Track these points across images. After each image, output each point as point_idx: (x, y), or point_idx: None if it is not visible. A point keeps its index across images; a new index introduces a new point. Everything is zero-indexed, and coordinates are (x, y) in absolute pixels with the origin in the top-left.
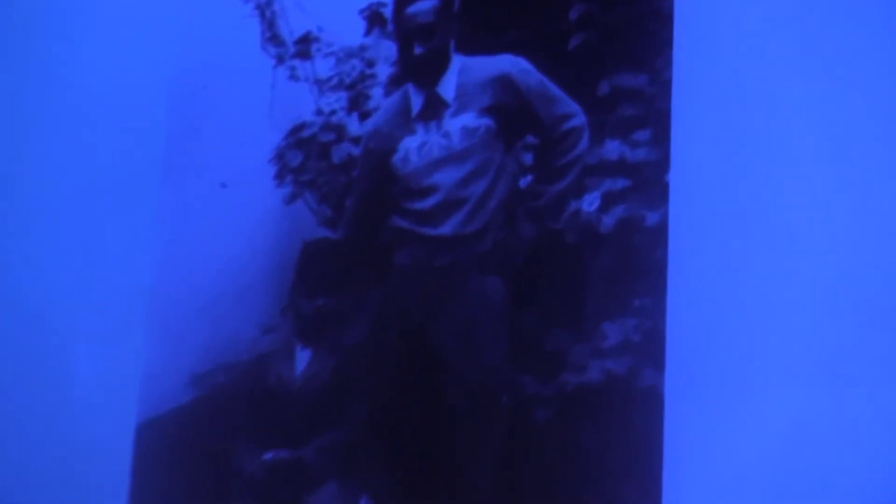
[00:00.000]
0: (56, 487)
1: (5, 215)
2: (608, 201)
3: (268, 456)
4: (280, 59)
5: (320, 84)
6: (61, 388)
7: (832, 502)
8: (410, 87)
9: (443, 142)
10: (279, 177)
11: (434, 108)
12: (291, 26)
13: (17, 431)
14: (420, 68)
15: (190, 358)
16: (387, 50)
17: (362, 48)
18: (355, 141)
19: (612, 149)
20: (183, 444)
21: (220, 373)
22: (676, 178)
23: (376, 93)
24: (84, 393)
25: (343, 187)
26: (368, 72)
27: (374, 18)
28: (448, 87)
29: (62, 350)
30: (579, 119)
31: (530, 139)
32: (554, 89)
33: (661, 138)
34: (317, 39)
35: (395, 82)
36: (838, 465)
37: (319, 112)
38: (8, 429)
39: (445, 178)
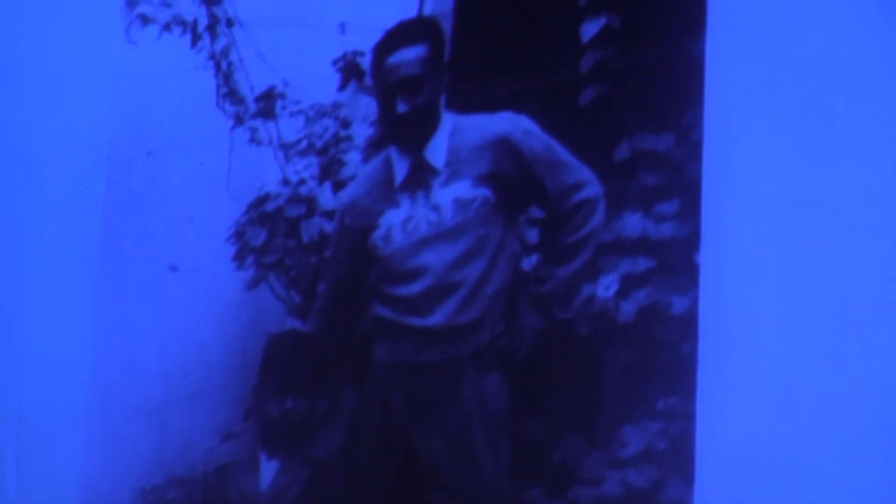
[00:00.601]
0: None
1: None
2: (628, 285)
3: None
4: (239, 120)
5: (287, 148)
6: None
7: None
8: (393, 152)
9: (432, 216)
10: (239, 258)
11: (421, 177)
12: (252, 80)
13: None
14: (404, 129)
15: (136, 470)
16: (365, 108)
17: (335, 105)
18: (328, 215)
19: (633, 223)
20: None
21: (171, 487)
22: (708, 257)
23: (353, 158)
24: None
25: (314, 270)
26: (343, 133)
27: (349, 70)
28: (438, 152)
29: None
30: (593, 189)
31: (535, 213)
32: (563, 153)
33: (691, 211)
34: (282, 95)
35: (374, 146)
36: None
37: (286, 182)
38: None
39: (435, 258)
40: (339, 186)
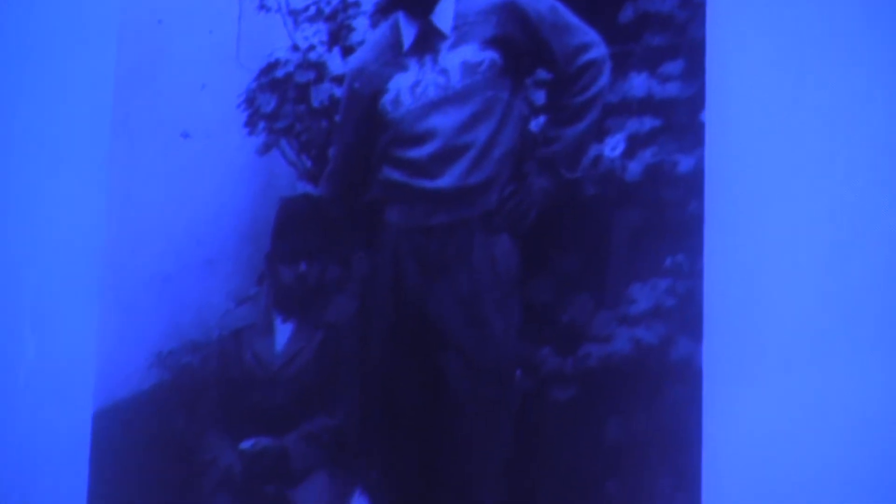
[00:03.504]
0: (10, 483)
1: None
2: (634, 145)
3: (246, 445)
4: None
5: (295, 14)
6: (8, 374)
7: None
8: (401, 17)
9: (440, 80)
10: (250, 124)
11: (429, 41)
12: None
13: None
14: None
15: (152, 335)
16: None
17: None
18: (338, 80)
19: (638, 84)
20: (147, 433)
21: (187, 351)
22: (713, 117)
23: (361, 23)
24: (34, 379)
25: (325, 134)
26: None
27: None
28: (445, 16)
29: (7, 333)
30: (599, 50)
31: (542, 75)
32: (568, 15)
33: (695, 71)
34: None
35: (382, 11)
36: (883, 443)
37: (295, 48)
38: None
39: (444, 121)
40: (347, 52)
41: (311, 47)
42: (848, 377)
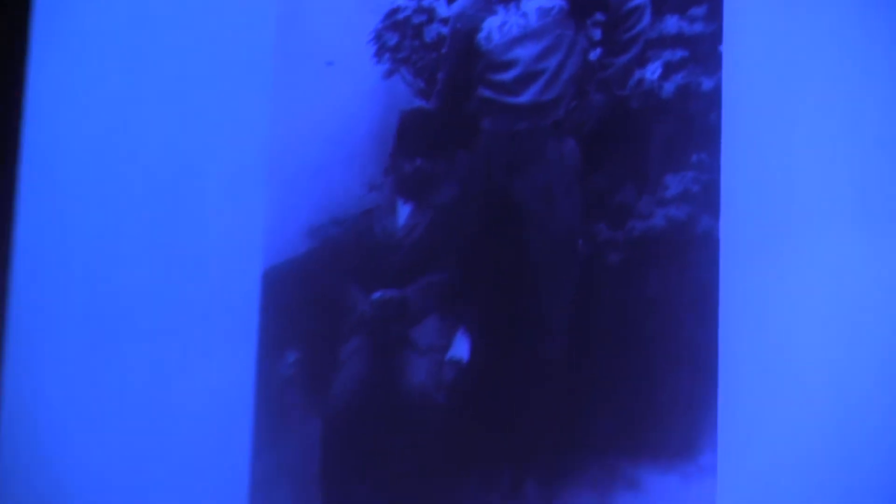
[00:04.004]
0: (191, 325)
1: (141, 86)
2: (668, 70)
3: (376, 296)
4: None
5: None
6: (195, 240)
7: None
8: None
9: (521, 21)
10: (378, 55)
11: None
12: None
13: (157, 275)
14: None
15: (306, 213)
16: None
17: None
18: (444, 22)
19: (672, 24)
20: (302, 288)
21: (332, 225)
22: (729, 47)
23: None
24: (216, 245)
25: (434, 63)
26: None
27: None
28: None
29: (195, 207)
30: None
31: (599, 17)
32: None
33: (715, 14)
34: None
35: None
36: (883, 306)
37: None
38: (153, 272)
39: (524, 52)
40: (451, 0)
41: None
42: (838, 248)
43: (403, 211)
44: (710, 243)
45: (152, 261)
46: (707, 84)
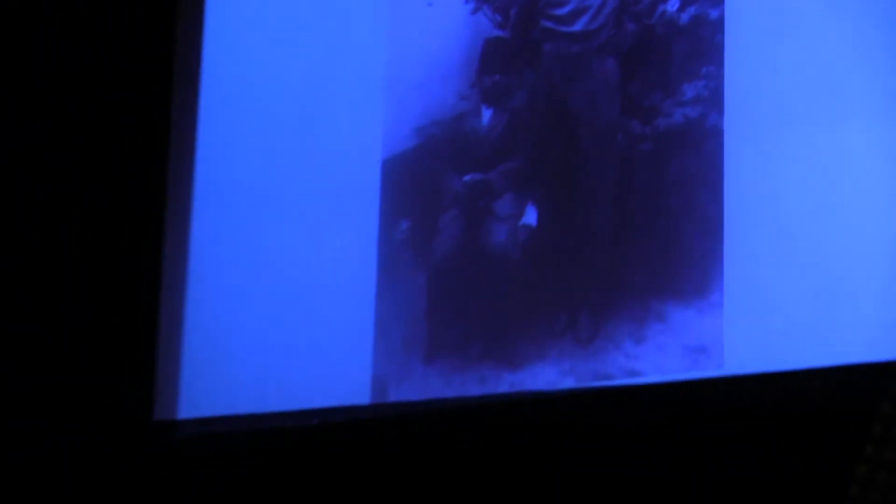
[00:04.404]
0: (330, 203)
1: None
2: (684, 4)
3: (467, 178)
4: None
5: None
6: (333, 140)
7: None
8: None
9: None
10: None
11: None
12: None
13: (306, 167)
14: None
15: (413, 117)
16: None
17: None
18: None
19: None
20: (410, 173)
21: (432, 126)
22: None
23: None
24: (348, 142)
25: (508, 2)
26: None
27: None
28: None
29: (334, 114)
30: None
31: None
32: None
33: None
34: None
35: None
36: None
37: None
38: (302, 165)
39: None
40: None
41: None
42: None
43: (486, 114)
44: (716, 135)
45: (303, 155)
46: (714, 13)
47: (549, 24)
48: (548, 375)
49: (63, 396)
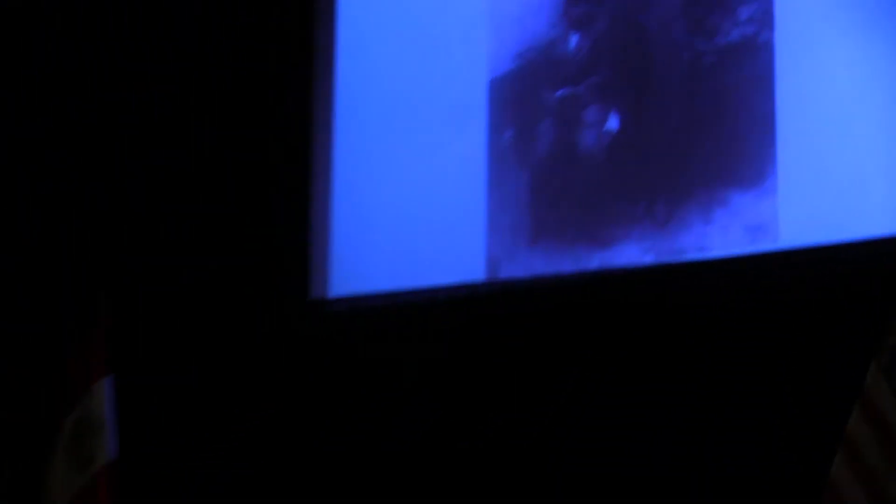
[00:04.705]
0: (452, 114)
1: None
2: None
3: (559, 93)
4: None
5: None
6: (451, 64)
7: None
8: None
9: None
10: None
11: None
12: None
13: (431, 86)
14: None
15: (514, 44)
16: None
17: None
18: None
19: None
20: (511, 89)
21: (528, 51)
22: None
23: None
24: (462, 66)
25: None
26: None
27: None
28: None
29: (451, 42)
30: None
31: None
32: None
33: None
34: None
35: None
36: None
37: None
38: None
39: None
40: None
41: None
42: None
43: (573, 39)
44: (768, 48)
45: (426, 79)
46: None
47: None
48: (631, 253)
49: (236, 280)
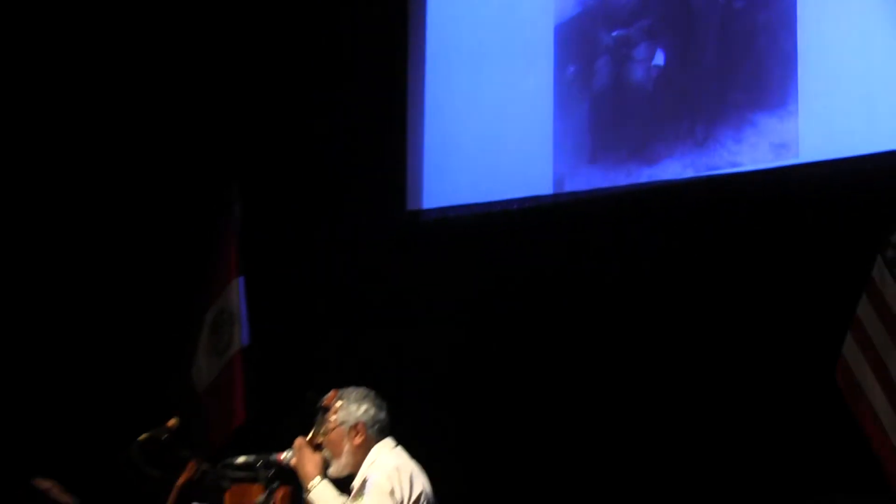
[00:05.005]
0: (524, 52)
1: None
2: None
3: (614, 34)
4: None
5: None
6: (526, 16)
7: None
8: None
9: None
10: None
11: None
12: None
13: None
14: None
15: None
16: None
17: None
18: None
19: None
20: (571, 30)
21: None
22: None
23: None
24: (536, 16)
25: None
26: None
27: None
28: None
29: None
30: None
31: None
32: None
33: None
34: None
35: None
36: None
37: None
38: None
39: None
40: None
41: None
42: None
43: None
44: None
45: (503, 24)
46: None
47: None
48: (674, 168)
49: (347, 197)
